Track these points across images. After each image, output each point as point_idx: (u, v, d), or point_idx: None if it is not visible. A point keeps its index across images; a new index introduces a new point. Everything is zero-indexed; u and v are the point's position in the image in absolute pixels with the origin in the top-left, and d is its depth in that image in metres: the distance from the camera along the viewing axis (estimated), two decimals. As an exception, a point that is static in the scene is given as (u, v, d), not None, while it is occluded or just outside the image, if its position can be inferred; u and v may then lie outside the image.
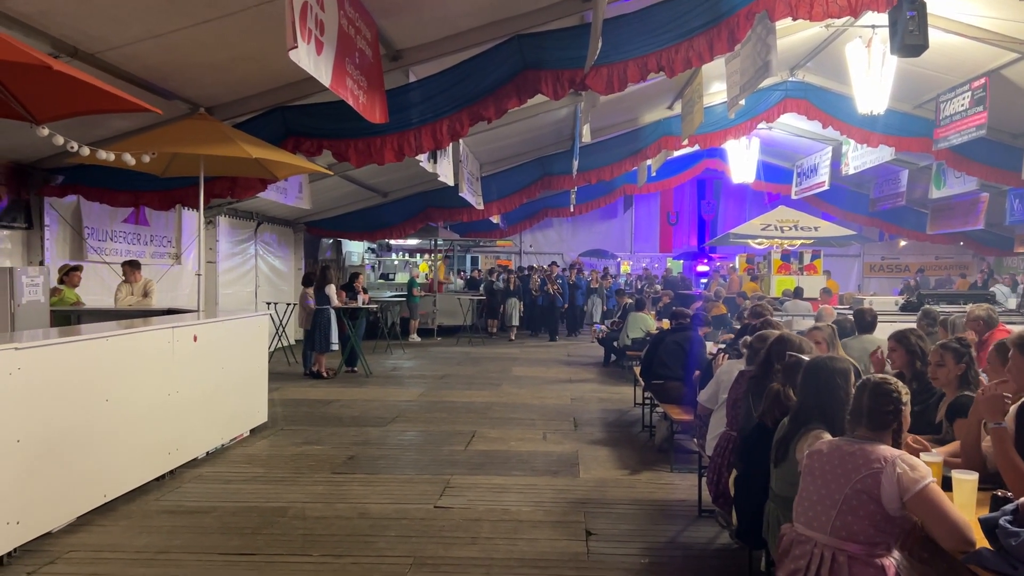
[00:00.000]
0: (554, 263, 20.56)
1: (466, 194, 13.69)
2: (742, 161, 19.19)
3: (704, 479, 5.29)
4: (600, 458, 7.49)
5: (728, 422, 4.71)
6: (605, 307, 19.70)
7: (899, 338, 4.64)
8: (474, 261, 27.41)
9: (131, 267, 9.54)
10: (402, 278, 22.20)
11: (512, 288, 19.26)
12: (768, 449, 3.58)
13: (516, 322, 19.12)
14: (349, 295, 12.86)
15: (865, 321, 6.76)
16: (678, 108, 14.69)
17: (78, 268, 9.40)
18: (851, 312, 10.19)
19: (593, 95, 10.42)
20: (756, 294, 13.72)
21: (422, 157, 10.23)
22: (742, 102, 10.50)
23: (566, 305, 19.63)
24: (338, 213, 16.93)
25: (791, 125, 18.10)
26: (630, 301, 14.63)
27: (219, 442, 7.49)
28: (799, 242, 17.79)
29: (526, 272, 21.31)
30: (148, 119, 8.27)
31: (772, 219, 17.60)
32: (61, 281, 9.18)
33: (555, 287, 19.33)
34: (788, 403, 3.65)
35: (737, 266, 20.50)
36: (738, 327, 8.47)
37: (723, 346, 6.90)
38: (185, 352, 6.65)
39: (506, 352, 16.49)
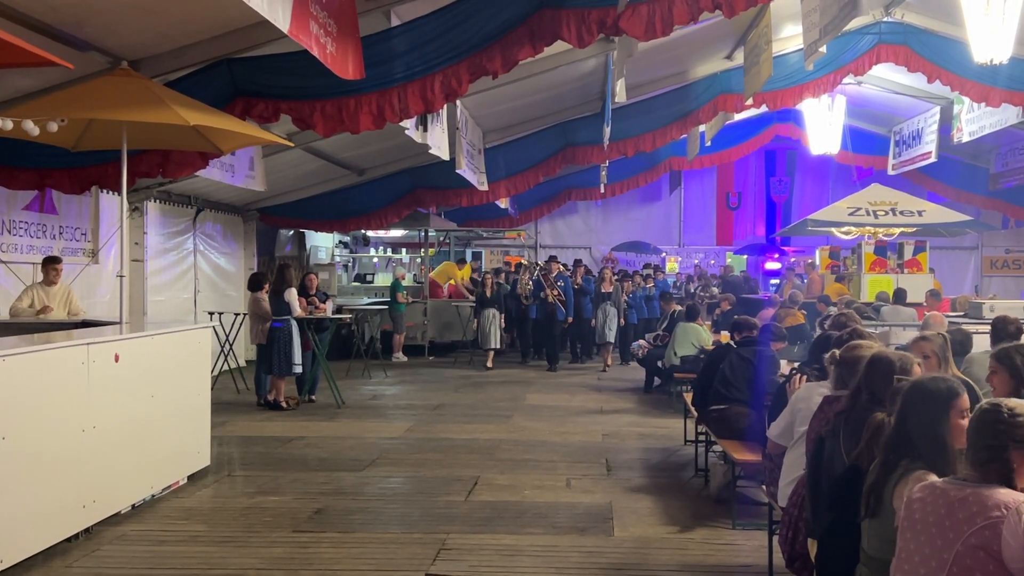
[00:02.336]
0: (553, 258, 18.61)
1: (465, 171, 13.72)
2: (823, 126, 19.15)
3: (776, 538, 5.25)
4: (641, 511, 7.46)
5: (808, 462, 4.68)
6: (623, 320, 17.80)
7: (1000, 357, 4.61)
8: (476, 257, 27.47)
9: (54, 264, 9.58)
10: (383, 280, 22.25)
11: (490, 294, 17.35)
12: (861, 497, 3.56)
13: (495, 343, 17.28)
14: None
15: (1007, 332, 6.71)
16: (740, 58, 14.70)
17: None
18: (966, 321, 10.16)
19: (629, 41, 10.45)
20: (844, 298, 13.68)
21: (408, 123, 10.26)
22: (823, 49, 10.46)
23: (570, 319, 17.55)
24: (301, 196, 16.99)
25: (887, 79, 18.04)
26: (679, 308, 14.61)
27: (148, 492, 7.48)
28: (898, 231, 17.70)
29: (514, 270, 19.49)
30: (56, 76, 8.30)
31: (863, 201, 17.50)
32: None
33: (555, 293, 17.31)
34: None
35: (818, 262, 20.42)
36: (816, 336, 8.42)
37: (797, 365, 6.87)
38: (104, 376, 6.66)
39: (517, 375, 16.49)
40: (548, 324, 17.59)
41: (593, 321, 17.80)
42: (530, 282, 18.00)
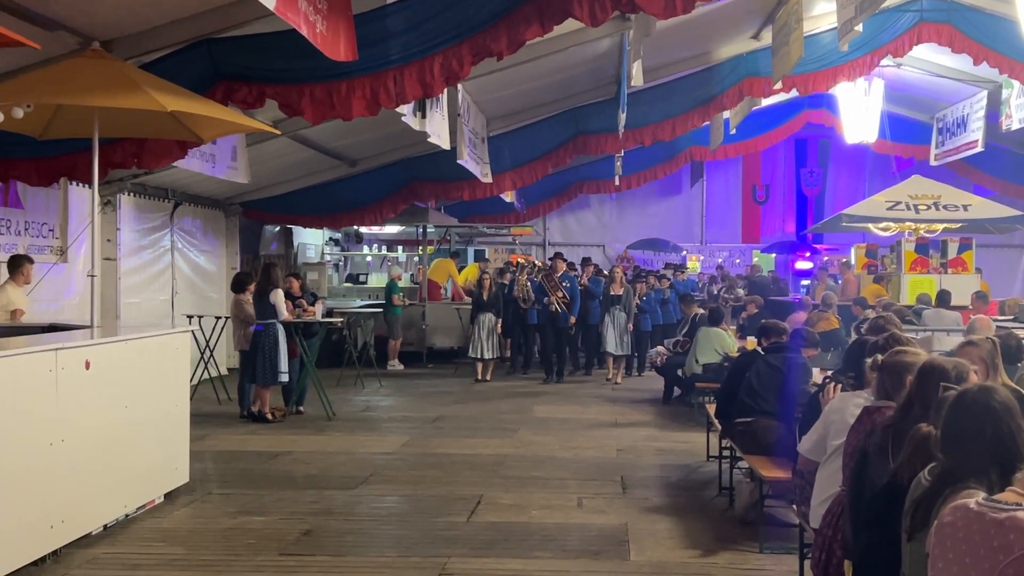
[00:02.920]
0: (559, 255, 17.83)
1: (467, 161, 13.72)
2: (859, 112, 19.13)
3: (808, 562, 5.25)
4: (659, 533, 7.45)
5: (844, 478, 4.67)
6: (631, 325, 17.00)
7: None
8: (478, 256, 27.49)
9: (31, 263, 9.65)
10: (377, 281, 22.27)
11: (487, 296, 16.79)
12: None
13: (488, 352, 16.66)
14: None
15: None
16: (767, 38, 14.68)
17: None
18: (1015, 325, 10.13)
19: (647, 19, 10.46)
20: (882, 300, 13.66)
21: (405, 109, 10.27)
22: (859, 28, 10.44)
23: (573, 319, 16.78)
24: (288, 189, 17.03)
25: (929, 61, 18.03)
26: (701, 311, 14.59)
27: (121, 511, 7.49)
28: (941, 226, 17.69)
29: (512, 269, 18.51)
30: (20, 58, 8.32)
31: (902, 194, 17.51)
32: None
33: (559, 296, 16.56)
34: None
35: (853, 261, 20.39)
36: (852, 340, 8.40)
37: (830, 373, 6.85)
38: (74, 384, 6.67)
39: (523, 385, 16.45)
40: (551, 330, 17.00)
41: (600, 327, 17.06)
42: (528, 283, 17.32)
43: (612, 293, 16.94)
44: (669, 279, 19.39)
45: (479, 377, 16.64)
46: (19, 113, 7.10)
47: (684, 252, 27.35)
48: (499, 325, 16.90)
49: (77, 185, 12.29)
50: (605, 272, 19.04)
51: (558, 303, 16.60)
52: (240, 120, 8.51)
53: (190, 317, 14.04)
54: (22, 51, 7.15)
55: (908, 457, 3.75)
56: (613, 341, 16.77)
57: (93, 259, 8.45)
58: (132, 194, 13.94)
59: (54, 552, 6.51)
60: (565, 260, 17.86)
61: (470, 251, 27.08)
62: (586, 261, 18.82)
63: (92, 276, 8.29)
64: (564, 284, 16.85)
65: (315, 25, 7.28)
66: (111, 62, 7.81)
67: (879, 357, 4.85)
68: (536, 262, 18.56)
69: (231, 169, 13.38)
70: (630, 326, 16.96)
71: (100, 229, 9.43)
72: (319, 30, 7.36)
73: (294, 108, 8.84)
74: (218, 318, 14.35)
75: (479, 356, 16.64)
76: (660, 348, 15.15)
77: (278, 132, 11.75)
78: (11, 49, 6.93)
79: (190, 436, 8.73)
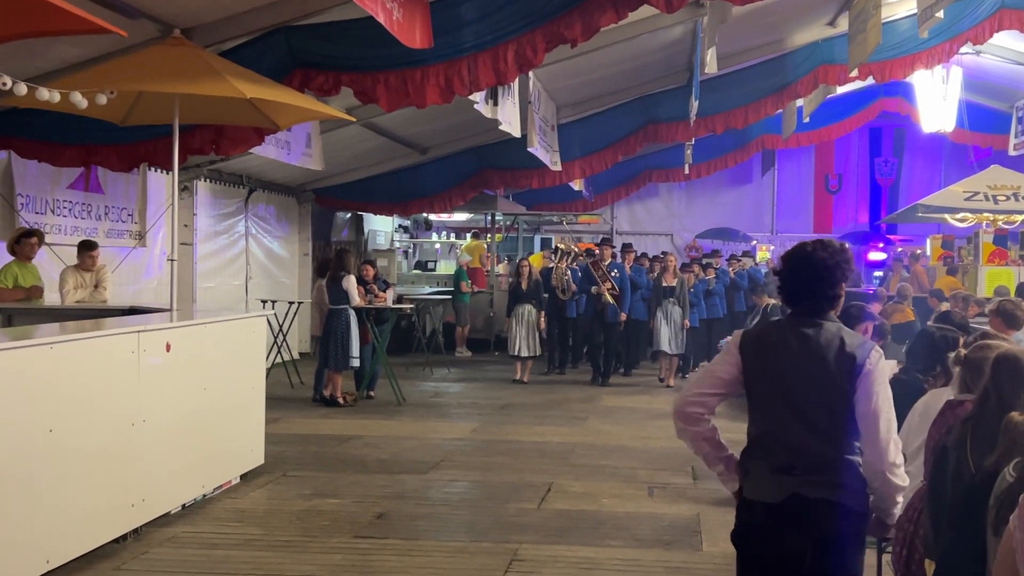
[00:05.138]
0: (606, 240, 16.85)
1: (537, 149, 13.68)
2: (937, 101, 18.72)
3: (887, 556, 5.17)
4: (731, 524, 7.35)
5: (926, 473, 4.59)
6: (688, 322, 15.30)
7: None
8: (545, 244, 27.48)
9: (88, 250, 9.86)
10: (446, 268, 22.35)
11: (526, 286, 15.43)
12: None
13: (526, 349, 15.20)
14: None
15: None
16: (844, 24, 14.43)
17: (33, 234, 9.69)
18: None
19: (723, 6, 10.35)
20: (958, 292, 13.36)
21: (478, 97, 10.28)
22: (940, 14, 10.22)
23: (624, 316, 15.20)
24: (359, 176, 17.19)
25: (1010, 48, 17.58)
26: (773, 302, 14.40)
27: (199, 491, 7.62)
28: (1020, 218, 17.27)
29: (554, 255, 16.97)
30: (104, 45, 8.47)
31: (980, 184, 17.13)
32: (13, 253, 9.49)
33: (608, 286, 14.93)
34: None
35: (928, 252, 20.00)
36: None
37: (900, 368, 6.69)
38: (155, 366, 6.79)
39: (587, 376, 16.33)
40: (598, 327, 15.37)
41: (652, 323, 15.35)
42: (568, 271, 15.88)
43: (665, 284, 15.31)
44: (715, 268, 17.88)
45: (517, 377, 15.21)
46: (102, 99, 7.21)
47: (754, 242, 27.00)
48: (541, 319, 15.52)
49: (155, 171, 12.51)
50: (648, 259, 17.67)
51: (607, 294, 15.01)
52: (316, 107, 8.59)
53: (264, 302, 14.26)
54: (106, 39, 7.29)
55: (1006, 450, 3.66)
56: (667, 339, 15.12)
57: (173, 243, 8.60)
58: (208, 180, 14.16)
59: (135, 530, 6.64)
60: (612, 247, 16.44)
61: (536, 239, 27.05)
62: (626, 248, 17.22)
63: (172, 260, 8.43)
64: (613, 273, 15.22)
65: (392, 13, 7.31)
66: (191, 49, 7.93)
67: (962, 351, 4.76)
68: (575, 247, 17.27)
69: (305, 156, 13.52)
70: (687, 322, 15.28)
71: (178, 214, 9.57)
72: (396, 18, 7.40)
73: (369, 96, 8.91)
74: (291, 303, 14.51)
75: (518, 354, 15.26)
76: (730, 339, 14.83)
77: (353, 119, 11.83)
78: (95, 37, 7.06)
79: (265, 418, 8.87)
